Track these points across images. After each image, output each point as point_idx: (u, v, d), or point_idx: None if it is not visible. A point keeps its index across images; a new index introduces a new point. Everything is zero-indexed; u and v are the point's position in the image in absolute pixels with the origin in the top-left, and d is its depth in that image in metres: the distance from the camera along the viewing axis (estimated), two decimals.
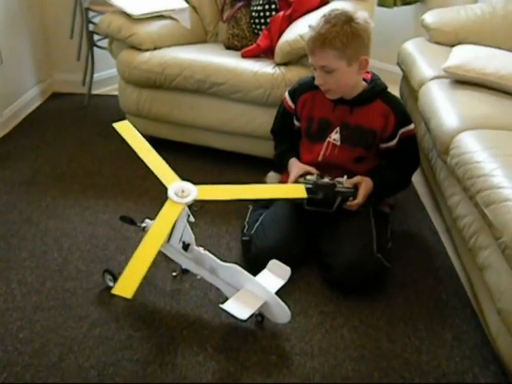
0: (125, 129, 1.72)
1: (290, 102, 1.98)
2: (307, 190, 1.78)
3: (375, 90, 1.86)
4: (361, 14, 1.73)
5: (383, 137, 1.87)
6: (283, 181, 1.97)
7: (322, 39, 1.71)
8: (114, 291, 1.31)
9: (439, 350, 1.54)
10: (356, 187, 1.82)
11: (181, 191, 1.52)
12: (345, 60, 1.73)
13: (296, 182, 1.83)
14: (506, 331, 1.40)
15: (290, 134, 2.04)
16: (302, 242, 1.84)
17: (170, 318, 1.60)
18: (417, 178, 2.52)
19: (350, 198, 1.80)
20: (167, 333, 1.55)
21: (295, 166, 1.92)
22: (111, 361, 1.44)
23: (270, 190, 1.55)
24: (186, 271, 1.73)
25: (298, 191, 1.52)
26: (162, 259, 1.81)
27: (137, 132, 1.72)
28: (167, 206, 1.51)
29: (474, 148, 1.73)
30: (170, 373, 1.42)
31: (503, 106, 2.05)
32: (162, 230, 1.46)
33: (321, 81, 1.80)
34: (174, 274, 1.76)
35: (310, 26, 1.78)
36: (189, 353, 1.48)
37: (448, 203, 1.91)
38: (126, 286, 1.31)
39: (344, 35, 1.69)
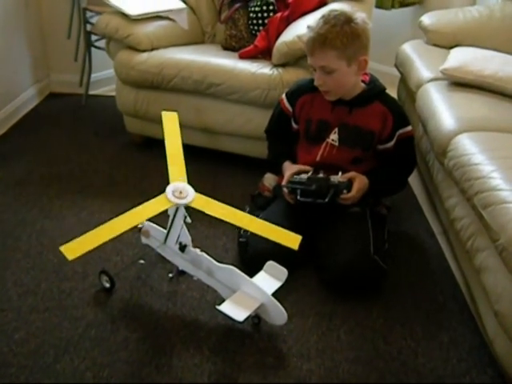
0: (169, 119, 1.76)
1: (287, 104, 1.98)
2: (301, 182, 1.79)
3: (374, 92, 1.85)
4: (359, 15, 1.73)
5: (381, 138, 1.87)
6: (280, 182, 1.97)
7: (322, 40, 1.70)
8: (62, 248, 1.33)
9: (436, 352, 1.54)
10: (350, 181, 1.82)
11: (178, 192, 1.52)
12: (345, 60, 1.73)
13: (291, 178, 1.84)
14: (503, 334, 1.40)
15: (285, 135, 2.04)
16: (300, 243, 1.84)
17: (167, 319, 1.60)
18: (414, 180, 2.52)
19: (344, 191, 1.79)
20: (163, 334, 1.54)
21: (289, 168, 1.92)
22: (107, 362, 1.43)
23: (264, 227, 1.56)
24: (182, 272, 1.72)
25: (292, 240, 1.53)
26: (158, 260, 1.80)
27: (178, 127, 1.74)
28: (158, 198, 1.51)
29: (471, 150, 1.73)
30: (166, 375, 1.41)
31: (501, 108, 2.05)
32: (137, 216, 1.46)
33: (320, 81, 1.79)
34: (171, 275, 1.75)
35: (308, 27, 1.78)
36: (185, 354, 1.47)
37: (445, 205, 1.91)
38: (75, 249, 1.33)
39: (344, 35, 1.69)
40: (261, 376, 1.42)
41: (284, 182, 1.87)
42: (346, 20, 1.70)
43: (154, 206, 1.48)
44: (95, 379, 1.38)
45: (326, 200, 1.78)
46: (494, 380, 1.46)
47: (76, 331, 1.53)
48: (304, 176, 1.82)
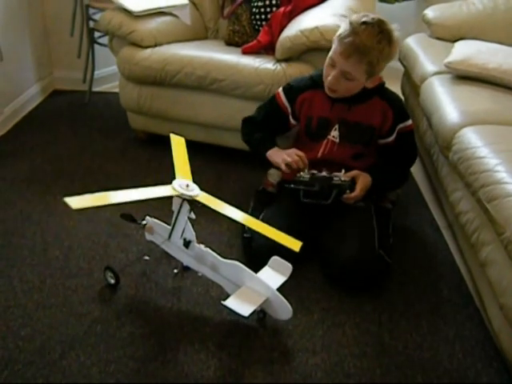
0: (177, 142, 1.74)
1: (284, 100, 1.95)
2: (304, 182, 1.79)
3: (373, 87, 1.84)
4: (397, 36, 1.72)
5: (381, 133, 1.87)
6: (284, 177, 1.96)
7: (365, 51, 1.68)
8: (66, 198, 1.34)
9: (441, 346, 1.54)
10: (353, 180, 1.81)
11: (185, 185, 1.52)
12: (367, 74, 1.74)
13: (294, 176, 1.82)
14: (509, 327, 1.40)
15: (270, 128, 2.00)
16: (304, 238, 1.83)
17: (172, 315, 1.60)
18: (418, 174, 2.51)
19: (347, 191, 1.79)
20: (169, 330, 1.54)
21: (281, 152, 1.89)
22: (113, 358, 1.44)
23: (267, 229, 1.56)
24: (187, 268, 1.72)
25: (293, 244, 1.53)
26: (163, 257, 1.81)
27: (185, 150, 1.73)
28: (165, 186, 1.51)
29: (476, 143, 1.72)
30: (172, 370, 1.41)
31: (505, 101, 2.04)
32: (143, 194, 1.47)
33: (334, 81, 1.77)
34: (176, 271, 1.75)
35: (351, 24, 1.70)
36: (190, 350, 1.48)
37: (450, 199, 1.91)
38: (80, 202, 1.36)
39: (381, 55, 1.69)
40: (266, 371, 1.42)
41: (280, 160, 1.84)
42: (390, 39, 1.69)
43: (160, 190, 1.49)
44: (101, 375, 1.38)
45: (329, 201, 1.80)
46: (499, 374, 1.46)
47: (82, 327, 1.53)
48: (307, 174, 1.81)
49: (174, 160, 1.64)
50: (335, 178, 1.80)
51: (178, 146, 1.71)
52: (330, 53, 1.78)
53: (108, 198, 1.43)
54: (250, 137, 2.04)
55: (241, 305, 1.45)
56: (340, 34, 1.73)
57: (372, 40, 1.67)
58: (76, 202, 1.35)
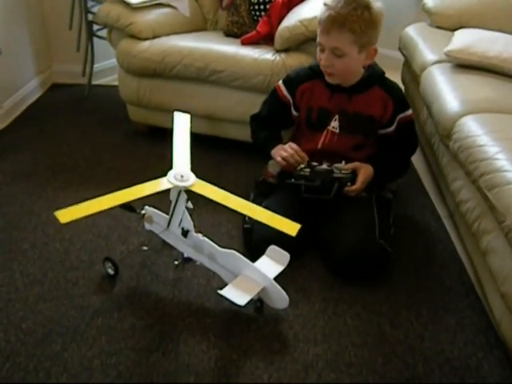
0: (181, 119, 1.75)
1: (285, 92, 1.94)
2: (305, 177, 1.78)
3: (373, 77, 1.84)
4: (377, 4, 1.70)
5: (382, 123, 1.86)
6: (284, 169, 1.96)
7: (342, 20, 1.66)
8: (56, 212, 1.34)
9: (442, 335, 1.54)
10: (354, 172, 1.81)
11: (180, 176, 1.51)
12: (357, 46, 1.71)
13: (294, 170, 1.82)
14: (510, 315, 1.40)
15: (276, 122, 2.00)
16: (305, 229, 1.82)
17: (173, 306, 1.60)
18: (419, 164, 2.51)
19: (348, 184, 1.78)
20: (170, 321, 1.55)
21: (282, 147, 1.88)
22: (114, 350, 1.44)
23: (264, 214, 1.53)
24: (188, 259, 1.72)
25: (290, 227, 1.49)
26: (163, 248, 1.81)
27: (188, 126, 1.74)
28: (159, 180, 1.50)
29: (476, 132, 1.72)
30: (173, 361, 1.41)
31: (506, 90, 2.03)
32: (136, 192, 1.45)
33: (327, 63, 1.76)
34: (176, 262, 1.75)
35: (325, 5, 1.71)
36: (191, 341, 1.48)
37: (451, 188, 1.90)
38: (69, 214, 1.35)
39: (363, 21, 1.66)
40: (267, 361, 1.43)
41: (278, 157, 1.85)
42: (367, 5, 1.67)
43: (153, 186, 1.48)
44: (103, 367, 1.39)
45: (331, 196, 1.80)
46: (500, 362, 1.46)
47: (83, 319, 1.54)
48: (307, 168, 1.80)
49: (174, 144, 1.63)
50: (336, 171, 1.79)
51: (182, 125, 1.71)
52: (317, 38, 1.78)
53: (99, 204, 1.41)
54: (256, 135, 2.05)
55: (237, 294, 1.45)
56: (319, 18, 1.74)
57: (347, 8, 1.66)
58: (65, 215, 1.34)
